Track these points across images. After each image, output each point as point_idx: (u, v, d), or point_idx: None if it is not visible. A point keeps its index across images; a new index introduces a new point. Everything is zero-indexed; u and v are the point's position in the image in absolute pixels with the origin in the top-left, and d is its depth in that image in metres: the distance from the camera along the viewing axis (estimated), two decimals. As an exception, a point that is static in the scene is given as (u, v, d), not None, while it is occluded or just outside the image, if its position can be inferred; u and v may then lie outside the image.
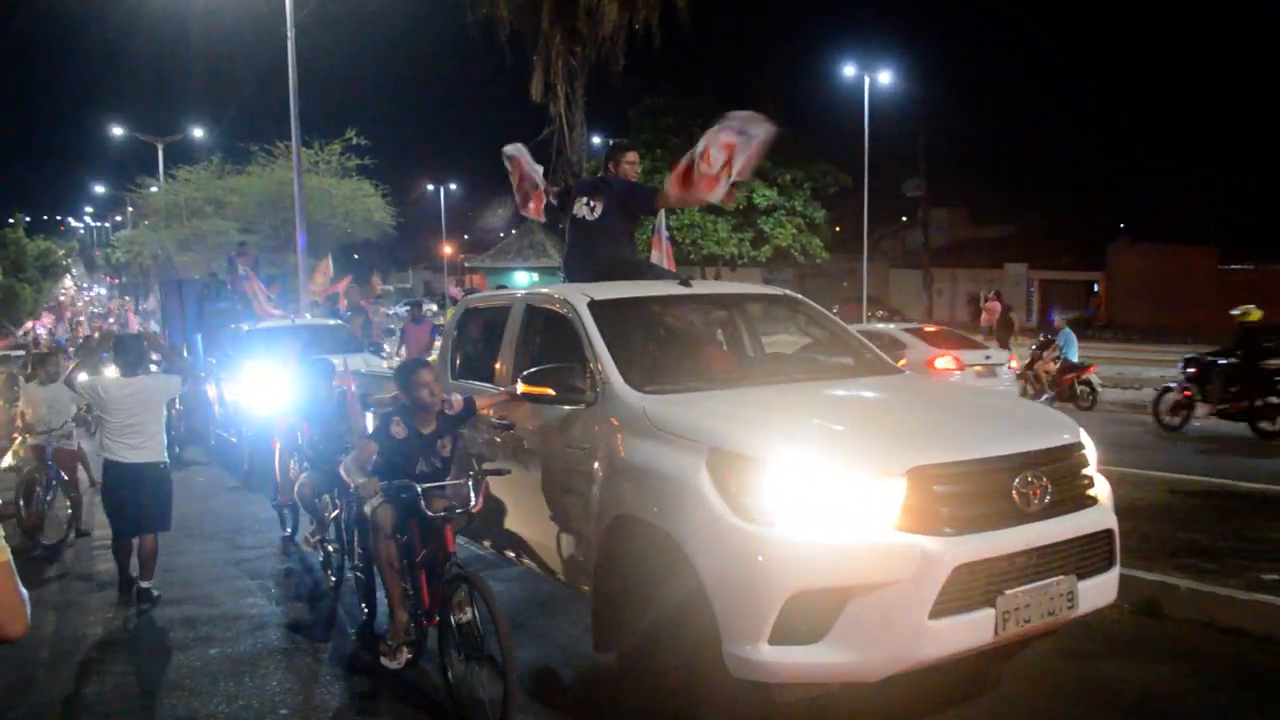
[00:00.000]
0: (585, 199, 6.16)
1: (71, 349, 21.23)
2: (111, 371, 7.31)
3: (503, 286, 20.59)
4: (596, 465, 4.55)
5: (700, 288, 5.79)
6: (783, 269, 39.39)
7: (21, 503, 8.38)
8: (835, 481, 3.72)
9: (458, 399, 5.12)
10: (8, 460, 10.07)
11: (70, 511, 8.66)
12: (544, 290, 5.85)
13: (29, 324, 28.88)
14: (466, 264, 47.56)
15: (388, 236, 32.70)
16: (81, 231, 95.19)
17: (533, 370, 4.80)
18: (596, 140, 33.56)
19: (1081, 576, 4.00)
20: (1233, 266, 32.61)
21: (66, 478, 8.67)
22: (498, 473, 4.89)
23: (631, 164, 6.33)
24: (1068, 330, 16.17)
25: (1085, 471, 4.28)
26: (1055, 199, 42.16)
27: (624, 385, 4.56)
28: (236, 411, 12.04)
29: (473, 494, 4.74)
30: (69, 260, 68.44)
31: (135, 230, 40.64)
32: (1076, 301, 36.44)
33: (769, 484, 3.73)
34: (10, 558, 2.03)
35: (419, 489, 4.66)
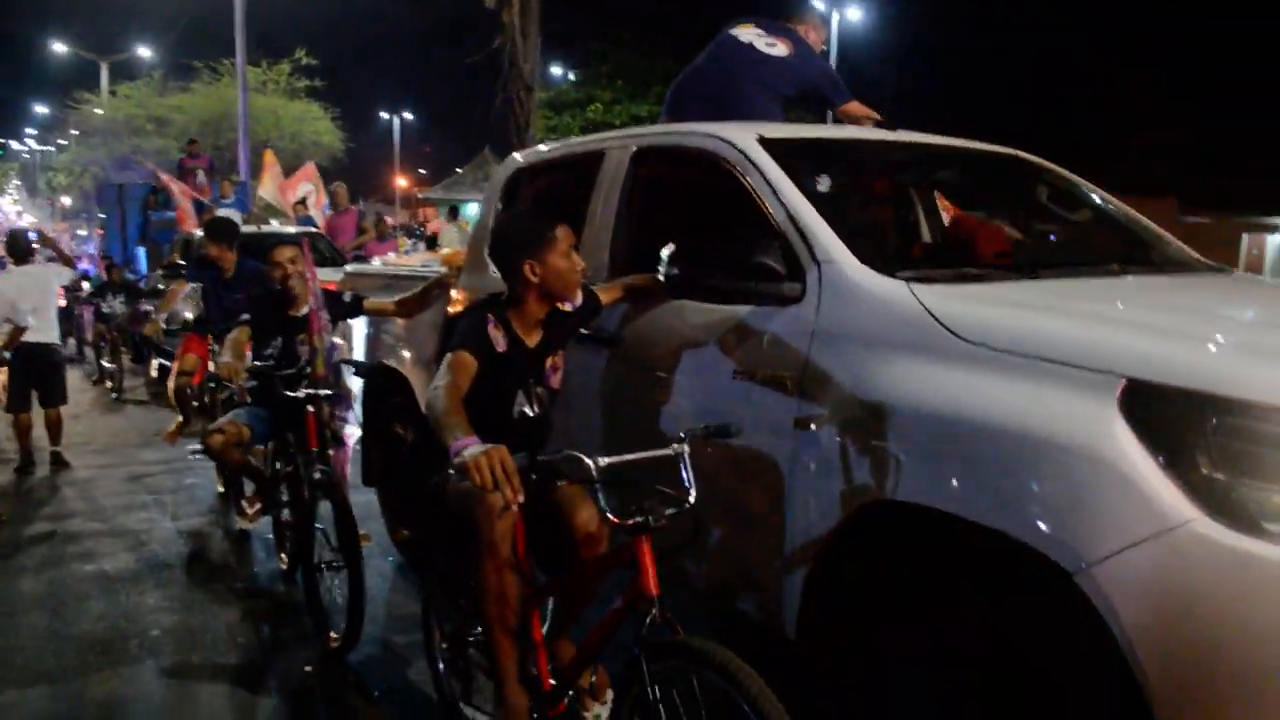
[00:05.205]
0: (762, 32, 4.81)
1: None
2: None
3: (455, 215, 19.67)
4: (811, 408, 2.58)
5: (906, 135, 3.99)
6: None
7: None
8: None
9: None
10: None
11: None
12: (671, 129, 3.79)
13: None
14: (420, 195, 46.43)
15: (338, 163, 31.68)
16: (26, 155, 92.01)
17: (684, 247, 2.94)
18: (557, 70, 32.61)
19: None
20: (1192, 219, 32.46)
21: None
22: (723, 434, 2.55)
23: (819, 37, 5.04)
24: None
25: None
26: (1014, 144, 41.86)
27: (860, 267, 2.65)
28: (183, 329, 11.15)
29: (686, 475, 2.40)
30: (5, 182, 66.28)
31: (75, 150, 39.18)
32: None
33: None
34: None
35: (591, 464, 2.34)
